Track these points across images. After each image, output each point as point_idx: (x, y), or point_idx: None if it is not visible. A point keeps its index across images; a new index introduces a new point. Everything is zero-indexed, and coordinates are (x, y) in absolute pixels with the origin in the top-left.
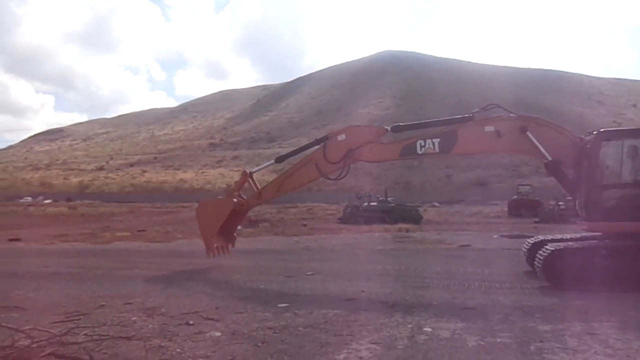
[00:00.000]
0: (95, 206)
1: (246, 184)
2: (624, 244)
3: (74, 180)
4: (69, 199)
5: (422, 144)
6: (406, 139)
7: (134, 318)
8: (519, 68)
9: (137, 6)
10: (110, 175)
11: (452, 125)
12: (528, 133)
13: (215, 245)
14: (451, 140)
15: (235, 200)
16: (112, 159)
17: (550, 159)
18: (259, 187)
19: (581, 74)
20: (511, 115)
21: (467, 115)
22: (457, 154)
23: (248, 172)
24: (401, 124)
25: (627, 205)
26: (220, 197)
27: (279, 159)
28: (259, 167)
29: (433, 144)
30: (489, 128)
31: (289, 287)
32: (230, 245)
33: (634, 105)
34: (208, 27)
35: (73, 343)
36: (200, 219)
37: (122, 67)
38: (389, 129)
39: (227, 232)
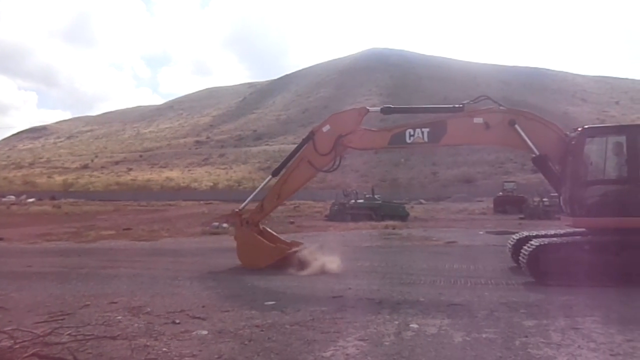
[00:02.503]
0: (79, 205)
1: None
2: (607, 239)
3: (58, 178)
4: (53, 198)
5: (412, 133)
6: (396, 127)
7: (119, 317)
8: (505, 66)
9: (121, 1)
10: (95, 173)
11: (442, 114)
12: (516, 126)
13: (286, 253)
14: (440, 131)
15: (246, 226)
16: (97, 157)
17: (537, 152)
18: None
19: (565, 72)
20: (501, 108)
21: (457, 106)
22: (446, 145)
23: (237, 210)
24: (391, 106)
25: (610, 201)
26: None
27: (275, 173)
28: (246, 201)
29: (422, 133)
30: (478, 120)
31: (276, 284)
32: (297, 246)
33: (617, 103)
34: (193, 23)
35: (57, 343)
36: (255, 260)
37: (106, 64)
38: (369, 109)
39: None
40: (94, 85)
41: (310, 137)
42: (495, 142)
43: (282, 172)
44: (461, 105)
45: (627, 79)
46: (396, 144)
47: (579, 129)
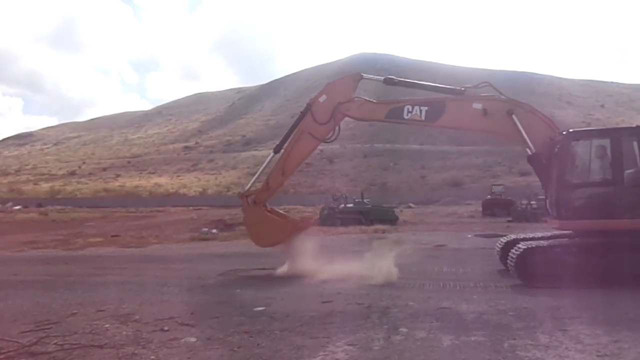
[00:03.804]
0: (67, 212)
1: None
2: (593, 241)
3: (45, 185)
4: (39, 205)
5: (410, 109)
6: (395, 102)
7: (106, 325)
8: (492, 70)
9: (108, 6)
10: (82, 180)
11: (441, 93)
12: (514, 116)
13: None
14: (439, 111)
15: (253, 206)
16: (84, 163)
17: (531, 145)
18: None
19: (551, 76)
20: (501, 97)
21: (459, 88)
22: (442, 126)
23: (242, 192)
24: (394, 77)
25: (595, 204)
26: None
27: (276, 149)
28: (250, 182)
29: (420, 111)
30: (477, 105)
31: (265, 290)
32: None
33: (602, 106)
34: (181, 28)
35: (43, 353)
36: (270, 238)
37: (93, 69)
38: (364, 75)
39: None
40: (81, 91)
41: (308, 109)
42: (491, 130)
43: (283, 148)
44: (462, 89)
45: (612, 82)
46: (393, 118)
47: (564, 133)
